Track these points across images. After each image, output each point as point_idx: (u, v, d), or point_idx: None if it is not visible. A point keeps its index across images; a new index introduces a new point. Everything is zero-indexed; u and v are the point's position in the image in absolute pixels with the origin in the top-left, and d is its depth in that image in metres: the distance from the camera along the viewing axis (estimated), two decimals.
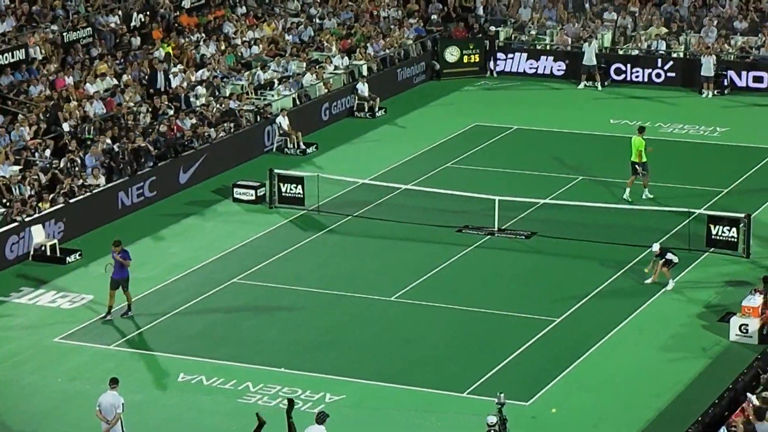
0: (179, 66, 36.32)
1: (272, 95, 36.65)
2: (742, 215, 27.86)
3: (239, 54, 38.31)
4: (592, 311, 24.37)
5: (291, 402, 17.75)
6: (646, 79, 39.52)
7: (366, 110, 37.89)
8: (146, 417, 21.15)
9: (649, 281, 26.02)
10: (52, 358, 23.48)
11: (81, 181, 29.97)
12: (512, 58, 41.15)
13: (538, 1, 42.79)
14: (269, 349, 23.73)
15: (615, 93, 38.95)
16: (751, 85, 38.31)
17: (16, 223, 27.13)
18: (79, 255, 27.53)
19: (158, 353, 24.08)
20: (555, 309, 24.99)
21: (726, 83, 38.13)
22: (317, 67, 38.91)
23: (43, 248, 27.72)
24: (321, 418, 17.26)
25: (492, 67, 41.02)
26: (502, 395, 18.84)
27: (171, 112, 33.97)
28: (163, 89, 34.73)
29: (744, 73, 38.63)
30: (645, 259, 27.22)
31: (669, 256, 26.58)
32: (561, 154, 33.71)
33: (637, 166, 31.21)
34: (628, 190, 31.22)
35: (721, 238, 27.57)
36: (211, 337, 24.79)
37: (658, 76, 39.36)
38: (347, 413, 20.73)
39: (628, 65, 39.78)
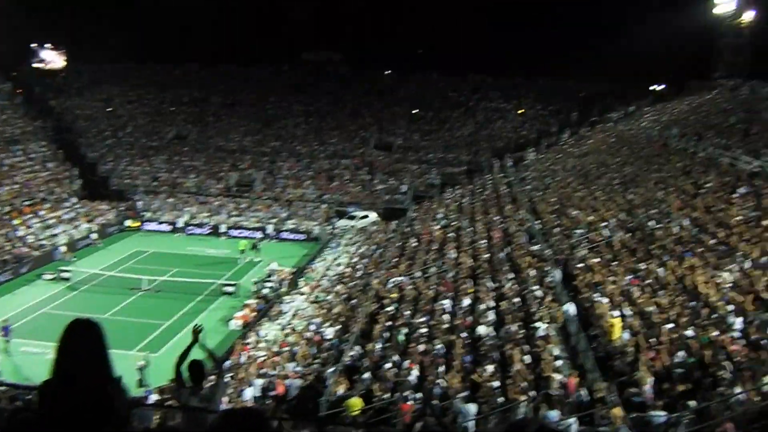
0: None
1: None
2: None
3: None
4: (189, 314, 22.66)
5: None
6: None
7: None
8: None
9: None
10: None
11: None
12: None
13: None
14: None
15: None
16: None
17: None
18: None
19: None
20: (168, 314, 22.76)
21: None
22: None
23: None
24: None
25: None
26: (147, 355, 18.24)
27: None
28: None
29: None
30: (212, 292, 24.95)
31: (228, 289, 25.14)
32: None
33: (241, 251, 30.41)
34: (245, 257, 30.11)
35: (227, 290, 25.18)
36: None
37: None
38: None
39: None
